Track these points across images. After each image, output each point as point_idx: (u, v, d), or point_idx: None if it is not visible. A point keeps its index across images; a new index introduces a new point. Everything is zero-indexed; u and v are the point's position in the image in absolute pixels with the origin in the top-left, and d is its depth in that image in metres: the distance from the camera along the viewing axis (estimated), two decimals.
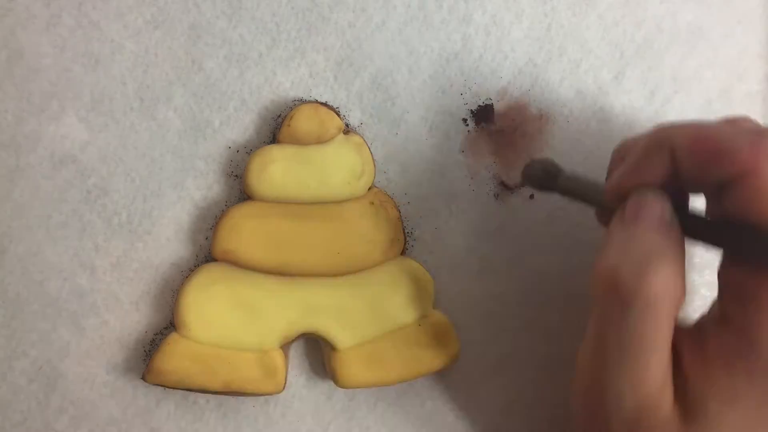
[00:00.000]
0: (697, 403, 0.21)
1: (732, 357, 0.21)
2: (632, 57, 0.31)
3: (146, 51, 0.30)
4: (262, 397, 0.30)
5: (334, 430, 0.30)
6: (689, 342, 0.22)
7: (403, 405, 0.30)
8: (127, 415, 0.30)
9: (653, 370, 0.21)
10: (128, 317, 0.30)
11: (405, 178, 0.30)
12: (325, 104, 0.30)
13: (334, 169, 0.29)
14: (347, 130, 0.30)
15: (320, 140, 0.29)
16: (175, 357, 0.28)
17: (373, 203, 0.29)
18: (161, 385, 0.28)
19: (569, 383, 0.24)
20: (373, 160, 0.30)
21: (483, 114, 0.30)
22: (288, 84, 0.30)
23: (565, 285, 0.30)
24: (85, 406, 0.30)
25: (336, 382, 0.28)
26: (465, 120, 0.30)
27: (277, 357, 0.28)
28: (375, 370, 0.28)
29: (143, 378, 0.28)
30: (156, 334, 0.30)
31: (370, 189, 0.29)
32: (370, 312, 0.29)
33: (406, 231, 0.30)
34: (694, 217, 0.22)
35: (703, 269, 0.31)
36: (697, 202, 0.24)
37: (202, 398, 0.30)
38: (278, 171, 0.29)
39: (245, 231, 0.28)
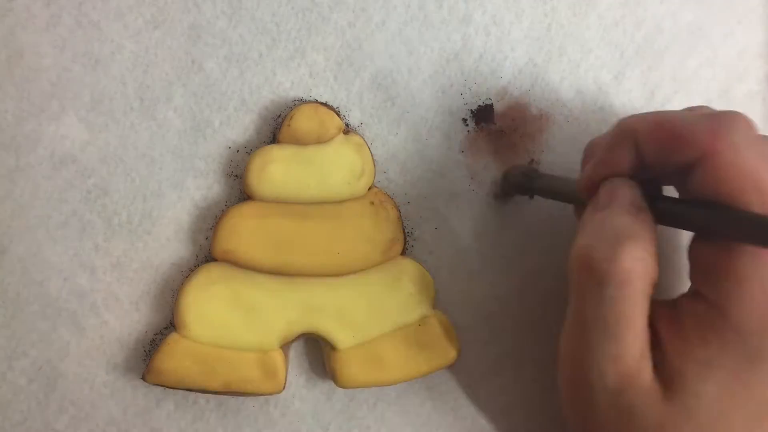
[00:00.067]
0: (675, 375, 0.22)
1: (706, 329, 0.22)
2: (632, 57, 0.31)
3: (146, 51, 0.30)
4: (262, 397, 0.30)
5: (334, 430, 0.30)
6: (666, 318, 0.23)
7: (403, 405, 0.30)
8: (127, 415, 0.30)
9: (630, 345, 0.22)
10: (128, 317, 0.30)
11: (405, 178, 0.30)
12: (325, 104, 0.30)
13: (334, 169, 0.29)
14: (347, 130, 0.30)
15: (320, 140, 0.29)
16: (175, 357, 0.28)
17: (373, 203, 0.29)
18: (161, 385, 0.28)
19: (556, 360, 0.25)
20: (373, 160, 0.30)
21: (483, 114, 0.30)
22: (288, 84, 0.30)
23: (564, 285, 0.30)
24: (85, 406, 0.30)
25: (336, 382, 0.28)
26: (465, 120, 0.30)
27: (277, 357, 0.28)
28: (375, 370, 0.28)
29: (143, 378, 0.28)
30: (156, 334, 0.30)
31: (370, 189, 0.29)
32: (370, 312, 0.29)
33: (406, 231, 0.30)
34: (664, 201, 0.23)
35: None
36: (672, 193, 0.25)
37: (202, 398, 0.30)
38: (278, 171, 0.29)
39: (245, 231, 0.28)
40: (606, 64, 0.31)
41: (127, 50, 0.30)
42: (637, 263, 0.22)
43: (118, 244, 0.30)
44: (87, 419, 0.30)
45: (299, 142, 0.29)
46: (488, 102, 0.31)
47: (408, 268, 0.29)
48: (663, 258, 0.23)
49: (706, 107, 0.25)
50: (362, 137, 0.30)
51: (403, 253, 0.30)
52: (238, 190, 0.30)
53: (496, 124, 0.31)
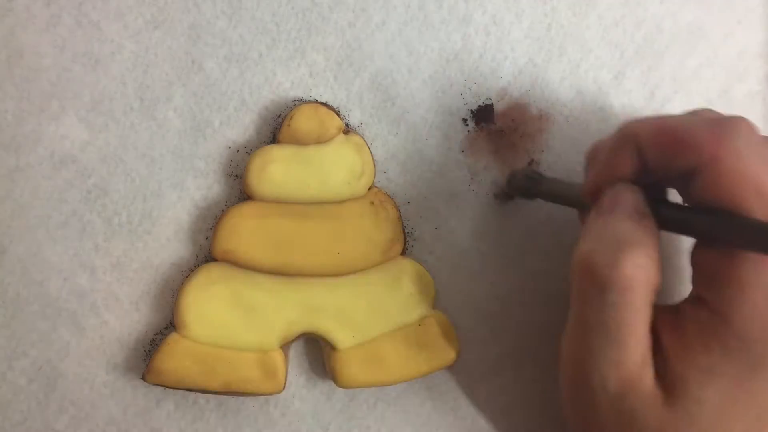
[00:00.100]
0: (677, 380, 0.22)
1: (708, 336, 0.22)
2: (632, 57, 0.31)
3: (146, 51, 0.30)
4: (262, 397, 0.30)
5: (334, 430, 0.30)
6: (668, 324, 0.23)
7: (403, 405, 0.30)
8: (127, 415, 0.30)
9: (632, 351, 0.22)
10: (128, 317, 0.30)
11: (405, 178, 0.30)
12: (325, 104, 0.30)
13: (334, 169, 0.29)
14: (347, 130, 0.30)
15: (320, 140, 0.29)
16: (175, 357, 0.28)
17: (373, 203, 0.29)
18: (161, 385, 0.28)
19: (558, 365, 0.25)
20: (373, 160, 0.30)
21: (483, 114, 0.30)
22: (288, 84, 0.30)
23: (565, 285, 0.30)
24: (85, 406, 0.30)
25: (336, 382, 0.28)
26: (465, 120, 0.30)
27: (277, 357, 0.28)
28: (375, 370, 0.28)
29: (143, 378, 0.28)
30: (156, 334, 0.30)
31: (370, 189, 0.29)
32: (370, 312, 0.29)
33: (406, 231, 0.30)
34: (667, 207, 0.23)
35: None
36: (676, 197, 0.24)
37: (202, 398, 0.30)
38: (278, 171, 0.29)
39: (245, 231, 0.28)
40: (606, 64, 0.31)
41: (127, 50, 0.30)
42: (639, 270, 0.21)
43: (118, 244, 0.30)
44: (87, 419, 0.30)
45: (299, 142, 0.29)
46: (488, 102, 0.31)
47: (408, 268, 0.29)
48: (665, 261, 0.23)
49: (709, 110, 0.25)
50: (362, 137, 0.30)
51: (403, 253, 0.30)
52: (238, 190, 0.30)
53: (496, 124, 0.31)
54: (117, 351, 0.30)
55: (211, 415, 0.30)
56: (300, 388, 0.30)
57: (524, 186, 0.29)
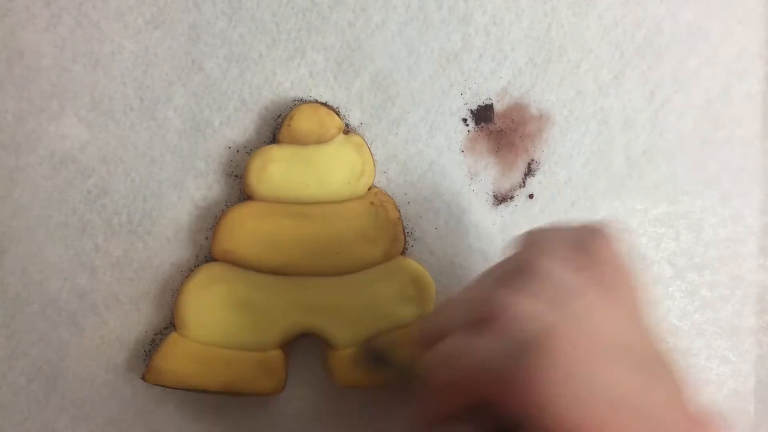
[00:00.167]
0: None
1: None
2: (632, 57, 0.31)
3: (146, 51, 0.30)
4: (262, 397, 0.30)
5: (334, 430, 0.30)
6: None
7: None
8: (127, 415, 0.30)
9: None
10: (128, 317, 0.30)
11: (405, 178, 0.30)
12: (325, 104, 0.30)
13: (334, 169, 0.29)
14: (347, 130, 0.30)
15: (320, 140, 0.29)
16: (175, 357, 0.28)
17: (373, 203, 0.29)
18: (161, 385, 0.28)
19: None
20: (373, 160, 0.30)
21: (483, 114, 0.30)
22: (288, 84, 0.30)
23: None
24: (85, 406, 0.30)
25: (336, 381, 0.28)
26: (465, 120, 0.30)
27: (277, 357, 0.28)
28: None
29: (143, 378, 0.28)
30: (156, 334, 0.30)
31: (370, 189, 0.29)
32: (370, 312, 0.29)
33: (406, 231, 0.30)
34: None
35: (704, 269, 0.31)
36: None
37: (202, 398, 0.30)
38: (278, 171, 0.29)
39: (245, 231, 0.28)
40: (606, 64, 0.31)
41: (127, 50, 0.30)
42: None
43: (118, 244, 0.30)
44: (87, 419, 0.30)
45: (299, 142, 0.29)
46: (488, 102, 0.31)
47: (408, 268, 0.29)
48: None
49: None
50: (362, 137, 0.30)
51: (403, 253, 0.30)
52: (238, 190, 0.30)
53: (496, 124, 0.31)
54: (117, 351, 0.30)
55: (211, 415, 0.30)
56: (300, 388, 0.30)
57: (371, 362, 0.28)
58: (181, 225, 0.30)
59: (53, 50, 0.30)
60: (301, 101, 0.30)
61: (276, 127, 0.30)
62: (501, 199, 0.31)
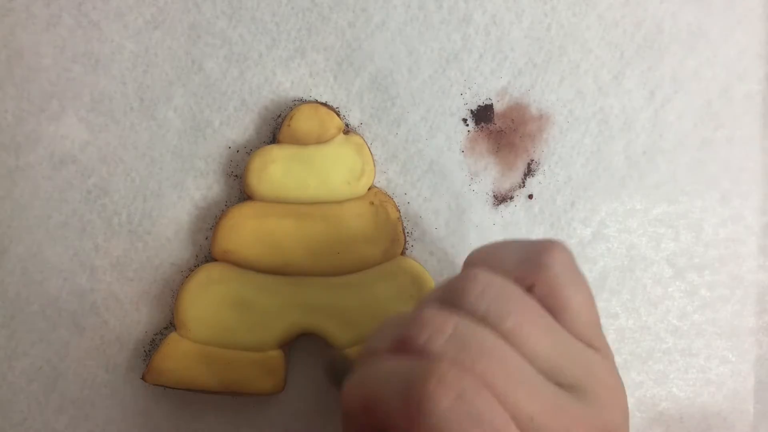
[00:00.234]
0: None
1: None
2: (632, 57, 0.31)
3: (146, 51, 0.30)
4: (262, 397, 0.30)
5: (334, 430, 0.30)
6: None
7: None
8: (127, 415, 0.30)
9: None
10: (128, 317, 0.30)
11: (405, 178, 0.30)
12: (325, 104, 0.30)
13: (334, 169, 0.29)
14: (347, 130, 0.30)
15: (320, 140, 0.29)
16: (175, 357, 0.28)
17: (373, 203, 0.29)
18: (161, 385, 0.28)
19: None
20: (373, 160, 0.30)
21: (483, 114, 0.30)
22: (288, 84, 0.30)
23: None
24: (85, 406, 0.30)
25: None
26: (465, 120, 0.30)
27: (277, 357, 0.28)
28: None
29: (143, 378, 0.28)
30: (156, 334, 0.30)
31: (370, 189, 0.29)
32: (370, 312, 0.29)
33: (406, 231, 0.30)
34: None
35: (703, 269, 0.31)
36: None
37: (202, 398, 0.30)
38: (278, 171, 0.29)
39: (245, 231, 0.28)
40: (606, 64, 0.31)
41: (127, 50, 0.30)
42: None
43: (118, 244, 0.30)
44: (87, 419, 0.30)
45: (299, 142, 0.29)
46: (488, 102, 0.31)
47: (408, 268, 0.29)
48: None
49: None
50: (362, 137, 0.30)
51: (403, 253, 0.30)
52: (238, 190, 0.30)
53: (496, 124, 0.31)
54: (117, 351, 0.30)
55: (211, 415, 0.30)
56: (300, 388, 0.30)
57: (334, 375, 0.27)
58: (181, 225, 0.30)
59: (53, 50, 0.30)
60: (301, 101, 0.30)
61: (276, 127, 0.30)
62: (501, 199, 0.31)
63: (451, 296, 0.21)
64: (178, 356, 0.28)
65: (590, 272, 0.31)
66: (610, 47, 0.31)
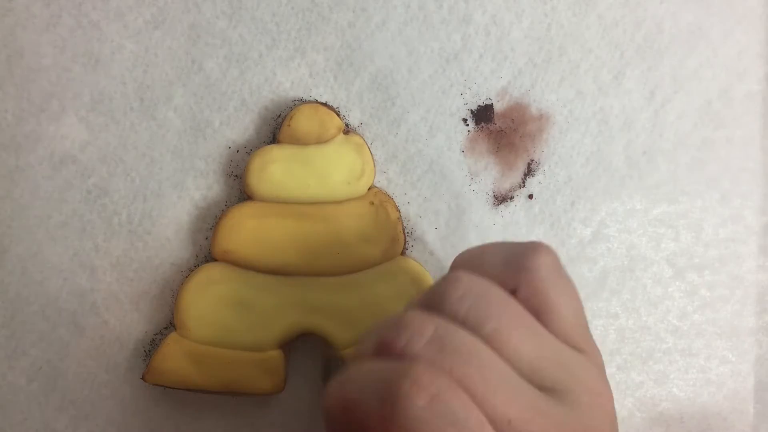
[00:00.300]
0: None
1: None
2: (632, 57, 0.31)
3: (146, 51, 0.30)
4: (262, 397, 0.30)
5: None
6: None
7: None
8: (127, 415, 0.30)
9: None
10: (128, 317, 0.30)
11: (405, 178, 0.30)
12: (325, 104, 0.30)
13: (334, 169, 0.29)
14: (347, 130, 0.30)
15: (320, 140, 0.29)
16: (175, 357, 0.28)
17: (373, 203, 0.29)
18: (161, 385, 0.28)
19: None
20: (373, 160, 0.30)
21: (483, 114, 0.30)
22: (288, 84, 0.30)
23: None
24: (85, 406, 0.30)
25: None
26: (465, 120, 0.30)
27: (277, 357, 0.28)
28: None
29: (143, 378, 0.28)
30: (156, 334, 0.30)
31: (370, 189, 0.29)
32: (370, 312, 0.29)
33: (406, 231, 0.30)
34: None
35: (703, 269, 0.31)
36: None
37: (202, 398, 0.30)
38: (278, 171, 0.29)
39: (245, 231, 0.28)
40: (606, 64, 0.31)
41: (127, 50, 0.30)
42: None
43: (118, 244, 0.30)
44: (87, 419, 0.30)
45: (299, 142, 0.29)
46: (488, 102, 0.31)
47: (408, 268, 0.29)
48: None
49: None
50: (362, 137, 0.30)
51: (403, 253, 0.30)
52: (238, 190, 0.30)
53: (496, 124, 0.31)
54: (117, 351, 0.30)
55: (211, 415, 0.30)
56: (300, 388, 0.30)
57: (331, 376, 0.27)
58: (181, 225, 0.30)
59: (53, 50, 0.30)
60: (301, 101, 0.30)
61: (276, 127, 0.30)
62: (501, 199, 0.31)
63: (434, 299, 0.21)
64: (178, 356, 0.28)
65: (590, 272, 0.31)
66: (610, 47, 0.31)
